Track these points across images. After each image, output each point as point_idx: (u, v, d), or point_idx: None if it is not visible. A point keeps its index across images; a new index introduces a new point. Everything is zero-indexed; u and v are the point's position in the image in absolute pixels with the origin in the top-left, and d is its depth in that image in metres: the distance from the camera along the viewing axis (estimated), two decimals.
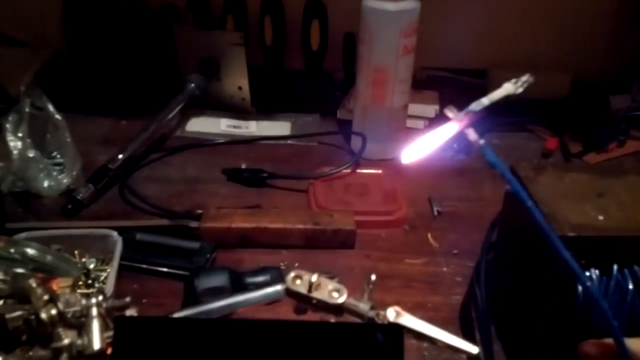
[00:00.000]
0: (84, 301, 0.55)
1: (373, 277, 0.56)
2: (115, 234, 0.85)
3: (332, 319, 0.53)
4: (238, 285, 0.80)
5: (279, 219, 0.93)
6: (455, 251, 0.94)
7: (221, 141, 1.21)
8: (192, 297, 0.79)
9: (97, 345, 0.51)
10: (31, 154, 0.97)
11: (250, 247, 0.93)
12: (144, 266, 0.87)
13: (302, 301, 0.53)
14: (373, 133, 1.15)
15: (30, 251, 0.66)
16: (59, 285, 0.60)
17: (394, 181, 1.06)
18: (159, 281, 0.86)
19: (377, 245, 0.95)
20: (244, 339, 0.48)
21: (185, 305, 0.80)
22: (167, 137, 1.22)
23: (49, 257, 0.67)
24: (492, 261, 0.81)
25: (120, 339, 0.48)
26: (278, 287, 0.53)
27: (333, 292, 0.52)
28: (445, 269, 0.91)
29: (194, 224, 0.93)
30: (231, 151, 1.19)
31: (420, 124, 1.26)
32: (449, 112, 0.54)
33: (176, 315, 0.53)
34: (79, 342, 0.51)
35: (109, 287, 0.77)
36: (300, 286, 0.53)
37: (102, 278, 0.82)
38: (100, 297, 0.55)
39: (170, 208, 0.97)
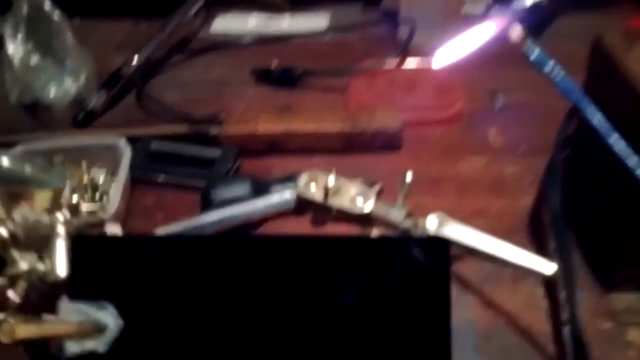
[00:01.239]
0: (46, 217, 0.44)
1: (409, 176, 0.43)
2: (122, 141, 0.75)
3: (359, 232, 0.41)
4: (262, 195, 0.68)
5: (312, 120, 0.80)
6: (521, 149, 0.79)
7: (249, 41, 1.07)
8: (209, 210, 0.68)
9: (62, 271, 0.40)
10: (34, 60, 0.87)
11: (278, 152, 0.80)
12: (159, 178, 0.76)
13: (318, 211, 0.40)
14: (423, 19, 0.97)
15: (3, 162, 0.56)
16: (36, 200, 0.50)
17: (448, 73, 0.90)
18: (176, 194, 0.76)
19: (428, 146, 0.81)
20: (236, 261, 0.37)
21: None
22: (190, 39, 1.09)
23: (28, 169, 0.57)
24: (568, 159, 0.65)
25: (79, 264, 0.38)
26: (286, 195, 0.41)
27: (357, 198, 0.40)
28: (509, 169, 0.76)
29: (215, 130, 0.81)
30: (261, 51, 1.05)
31: (477, 8, 1.07)
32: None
33: (159, 232, 0.42)
34: (39, 267, 0.41)
35: (113, 202, 0.67)
36: (314, 192, 0.40)
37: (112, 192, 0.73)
38: (68, 213, 0.45)
39: (190, 114, 0.86)
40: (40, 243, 0.43)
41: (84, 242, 0.40)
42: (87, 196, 0.72)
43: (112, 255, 0.38)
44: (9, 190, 0.48)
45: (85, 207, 0.70)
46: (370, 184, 0.72)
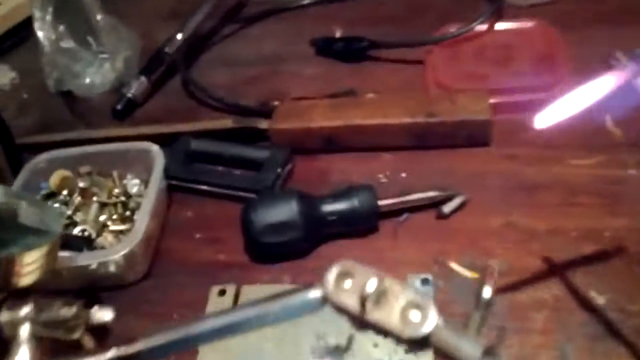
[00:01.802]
0: (5, 315, 0.34)
1: (487, 291, 0.28)
2: (155, 148, 0.65)
3: None
4: (312, 216, 0.56)
5: (377, 111, 0.66)
6: None
7: (309, 2, 0.92)
8: (250, 237, 0.57)
9: None
10: (66, 43, 0.77)
11: (339, 150, 0.67)
12: (200, 187, 0.66)
13: (354, 321, 0.27)
14: None
15: None
16: (25, 261, 0.40)
17: (553, 38, 0.71)
18: (217, 206, 0.65)
19: (525, 139, 0.64)
20: None
21: (246, 242, 0.58)
22: (244, 3, 0.95)
23: (23, 207, 0.46)
24: None
25: None
26: (309, 295, 0.28)
27: (410, 312, 0.26)
28: (633, 171, 0.59)
29: (264, 124, 0.68)
30: (322, 15, 0.90)
31: None
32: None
33: (140, 345, 0.31)
34: None
35: (140, 223, 0.57)
36: (348, 294, 0.27)
37: None
38: (30, 308, 0.34)
39: (237, 102, 0.74)
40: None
41: None
42: (117, 213, 0.62)
43: None
44: None
45: (113, 227, 0.61)
46: (447, 196, 0.58)
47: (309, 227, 0.56)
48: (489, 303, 0.26)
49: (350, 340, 0.49)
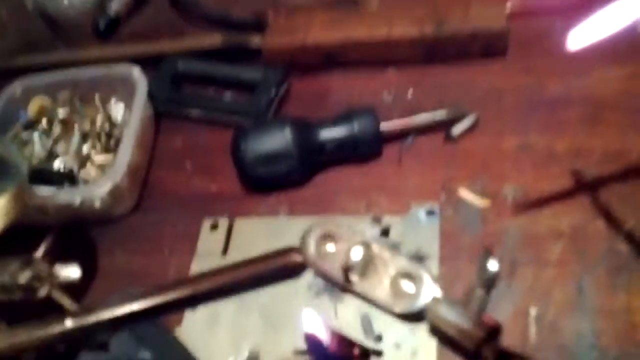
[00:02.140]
0: None
1: (493, 264, 0.23)
2: (137, 71, 0.59)
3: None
4: (308, 145, 0.51)
5: (381, 22, 0.59)
6: None
7: None
8: (241, 169, 0.52)
9: None
10: None
11: (338, 67, 0.61)
12: (189, 112, 0.61)
13: (341, 289, 0.23)
14: None
15: None
16: None
17: None
18: (209, 132, 0.60)
19: (547, 48, 0.57)
20: None
21: (238, 172, 0.54)
22: None
23: None
24: None
25: None
26: (288, 261, 0.23)
27: (402, 282, 0.21)
28: None
29: (256, 41, 0.62)
30: None
31: None
32: None
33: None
34: None
35: (122, 160, 0.53)
36: (331, 260, 0.22)
37: None
38: None
39: (226, 15, 0.67)
40: None
41: None
42: (100, 143, 0.58)
43: None
44: None
45: (97, 158, 0.57)
46: (458, 114, 0.53)
47: (305, 156, 0.51)
48: (494, 278, 0.21)
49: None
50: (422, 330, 0.42)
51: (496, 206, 0.48)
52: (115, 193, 0.52)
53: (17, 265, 0.29)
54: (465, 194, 0.49)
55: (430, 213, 0.48)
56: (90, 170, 0.56)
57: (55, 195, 0.52)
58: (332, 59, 0.60)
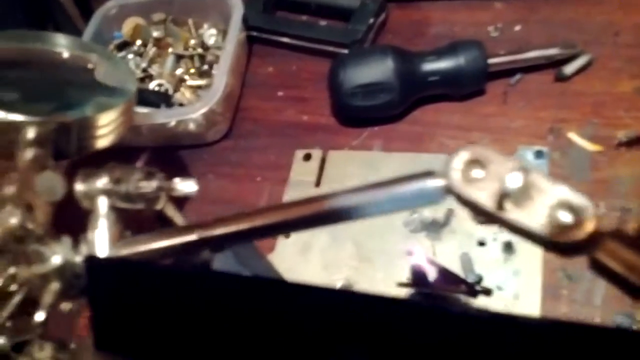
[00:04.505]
0: (80, 186, 0.29)
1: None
2: None
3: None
4: (409, 76, 0.49)
5: None
6: None
7: None
8: (338, 99, 0.51)
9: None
10: None
11: None
12: (282, 39, 0.59)
13: (485, 218, 0.22)
14: None
15: (63, 51, 0.41)
16: (99, 123, 0.36)
17: None
18: (302, 60, 0.59)
19: None
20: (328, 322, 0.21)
21: (333, 103, 0.53)
22: None
23: (93, 58, 0.41)
24: None
25: (96, 291, 0.25)
26: (428, 184, 0.22)
27: (559, 213, 0.20)
28: None
29: None
30: None
31: None
32: None
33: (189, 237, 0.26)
34: (77, 259, 0.29)
35: (219, 84, 0.52)
36: (479, 187, 0.21)
37: None
38: (106, 180, 0.30)
39: None
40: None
41: (102, 267, 0.26)
42: (194, 67, 0.58)
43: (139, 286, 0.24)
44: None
45: (191, 82, 0.57)
46: (572, 50, 0.49)
47: (405, 88, 0.49)
48: None
49: (448, 215, 0.44)
50: (524, 274, 0.41)
51: (608, 152, 0.46)
52: (210, 117, 0.52)
53: (140, 174, 0.29)
54: (576, 137, 0.47)
55: (539, 155, 0.45)
56: (185, 93, 0.55)
57: (152, 115, 0.52)
58: None
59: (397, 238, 0.45)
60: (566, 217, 0.20)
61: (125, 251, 0.28)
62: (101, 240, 0.29)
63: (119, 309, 0.24)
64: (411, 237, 0.44)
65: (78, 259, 0.29)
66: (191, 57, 0.58)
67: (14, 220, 0.28)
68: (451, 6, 0.57)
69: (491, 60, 0.49)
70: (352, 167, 0.50)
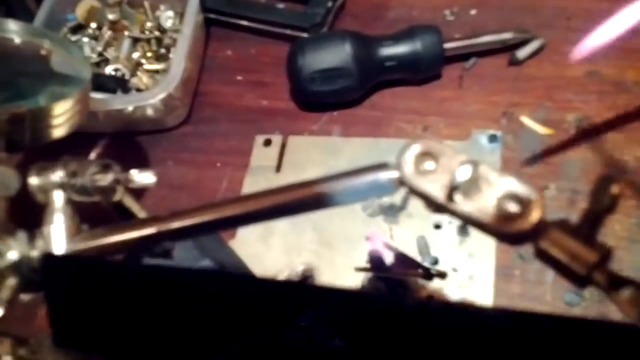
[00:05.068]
0: (35, 180, 0.29)
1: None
2: None
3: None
4: (367, 61, 0.49)
5: None
6: None
7: None
8: (297, 84, 0.51)
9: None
10: None
11: None
12: (241, 22, 0.59)
13: (436, 209, 0.23)
14: None
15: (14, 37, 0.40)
16: (54, 113, 0.35)
17: None
18: (260, 44, 0.58)
19: None
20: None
21: (292, 88, 0.53)
22: None
23: (47, 45, 0.40)
24: None
25: (53, 288, 0.25)
26: (381, 177, 0.23)
27: (507, 204, 0.21)
28: None
29: None
30: None
31: None
32: None
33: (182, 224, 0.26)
34: (33, 254, 0.28)
35: (177, 68, 0.51)
36: (430, 179, 0.22)
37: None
38: (62, 173, 0.30)
39: None
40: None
41: (57, 263, 0.26)
42: (151, 50, 0.57)
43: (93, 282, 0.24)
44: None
45: (147, 65, 0.56)
46: (525, 35, 0.50)
47: (363, 74, 0.49)
48: (613, 203, 0.20)
49: (405, 199, 0.45)
50: (478, 255, 0.42)
51: (559, 135, 0.47)
52: (168, 102, 0.51)
53: (96, 167, 0.29)
54: (528, 121, 0.48)
55: (492, 139, 0.46)
56: (142, 78, 0.55)
57: (108, 102, 0.51)
58: None
59: (356, 222, 0.45)
60: (513, 208, 0.21)
61: (82, 245, 0.28)
62: (58, 235, 0.29)
63: (76, 305, 0.24)
64: (369, 221, 0.45)
65: (34, 253, 0.29)
66: (148, 41, 0.57)
67: None
68: None
69: (447, 45, 0.50)
70: (312, 152, 0.50)
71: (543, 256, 0.21)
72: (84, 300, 0.24)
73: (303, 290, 0.23)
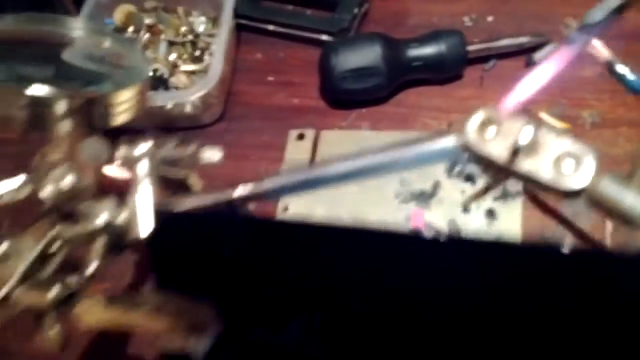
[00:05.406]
0: (123, 151, 0.33)
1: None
2: None
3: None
4: (395, 62, 0.53)
5: None
6: None
7: None
8: (329, 83, 0.54)
9: (145, 228, 0.30)
10: None
11: None
12: (270, 27, 0.62)
13: (495, 171, 0.26)
14: None
15: (75, 32, 0.44)
16: (115, 101, 0.38)
17: None
18: (289, 47, 0.62)
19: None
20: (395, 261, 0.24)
21: (323, 87, 0.56)
22: None
23: (107, 43, 0.44)
24: None
25: (168, 245, 0.28)
26: (446, 142, 0.26)
27: (563, 162, 0.24)
28: None
29: None
30: None
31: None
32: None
33: (265, 184, 0.30)
34: (121, 218, 0.31)
35: (215, 68, 0.55)
36: (493, 142, 0.25)
37: (214, 47, 0.60)
38: (149, 145, 0.33)
39: None
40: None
41: (167, 220, 0.29)
42: (186, 53, 0.60)
43: (211, 237, 0.27)
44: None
45: (184, 67, 0.59)
46: (541, 38, 0.54)
47: (391, 73, 0.53)
48: None
49: (435, 186, 0.48)
50: (504, 238, 0.45)
51: (575, 130, 0.51)
52: (206, 100, 0.54)
53: (177, 141, 0.32)
54: (546, 117, 0.52)
55: None
56: (180, 77, 0.58)
57: (152, 97, 0.54)
58: None
59: (388, 209, 0.48)
60: (569, 166, 0.25)
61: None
62: (144, 201, 0.32)
63: (179, 252, 0.27)
64: (402, 207, 0.48)
65: (121, 219, 0.32)
66: (183, 44, 0.60)
67: (67, 180, 0.30)
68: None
69: (470, 47, 0.54)
70: (344, 145, 0.53)
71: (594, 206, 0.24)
72: (187, 248, 0.27)
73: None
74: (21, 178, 0.31)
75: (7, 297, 0.30)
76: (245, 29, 0.63)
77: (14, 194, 0.31)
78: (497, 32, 0.57)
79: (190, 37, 0.61)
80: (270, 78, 0.60)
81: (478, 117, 0.26)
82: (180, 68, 0.59)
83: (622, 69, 0.51)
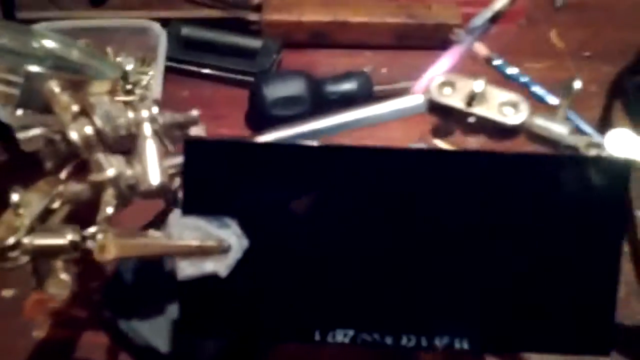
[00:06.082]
0: (131, 114, 0.37)
1: (578, 83, 0.36)
2: (157, 26, 0.66)
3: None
4: (316, 94, 0.62)
5: (362, 10, 0.72)
6: (586, 53, 0.73)
7: None
8: (260, 109, 0.62)
9: (155, 178, 0.34)
10: None
11: (324, 46, 0.73)
12: (195, 68, 0.68)
13: (453, 119, 0.35)
14: None
15: (49, 44, 0.48)
16: (92, 90, 0.42)
17: None
18: (214, 87, 0.68)
19: (487, 45, 0.74)
20: (379, 176, 0.31)
21: (251, 117, 0.63)
22: None
23: (75, 53, 0.48)
24: None
25: (194, 173, 0.32)
26: (417, 99, 0.35)
27: (504, 107, 0.34)
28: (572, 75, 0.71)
29: (253, 16, 0.72)
30: None
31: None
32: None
33: (265, 138, 0.36)
34: (128, 172, 0.35)
35: (155, 94, 0.60)
36: (452, 97, 0.34)
37: (144, 82, 0.65)
38: (155, 109, 0.38)
39: None
40: (125, 144, 0.37)
41: (199, 147, 0.34)
42: (120, 87, 0.64)
43: (233, 164, 0.32)
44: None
45: (117, 98, 0.63)
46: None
47: (314, 103, 0.61)
48: (575, 93, 0.34)
49: None
50: None
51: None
52: None
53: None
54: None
55: None
56: None
57: None
58: (320, 38, 0.72)
59: None
60: (509, 110, 0.34)
61: (170, 163, 0.36)
62: (150, 156, 0.36)
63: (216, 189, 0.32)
64: None
65: (130, 172, 0.35)
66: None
67: (89, 130, 0.34)
68: (333, 53, 0.73)
69: (376, 88, 0.64)
70: None
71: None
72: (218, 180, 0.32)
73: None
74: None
75: (19, 243, 0.32)
76: (172, 71, 0.69)
77: None
78: (390, 81, 0.69)
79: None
80: (197, 111, 0.66)
81: (438, 79, 0.35)
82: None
83: (497, 62, 0.69)
